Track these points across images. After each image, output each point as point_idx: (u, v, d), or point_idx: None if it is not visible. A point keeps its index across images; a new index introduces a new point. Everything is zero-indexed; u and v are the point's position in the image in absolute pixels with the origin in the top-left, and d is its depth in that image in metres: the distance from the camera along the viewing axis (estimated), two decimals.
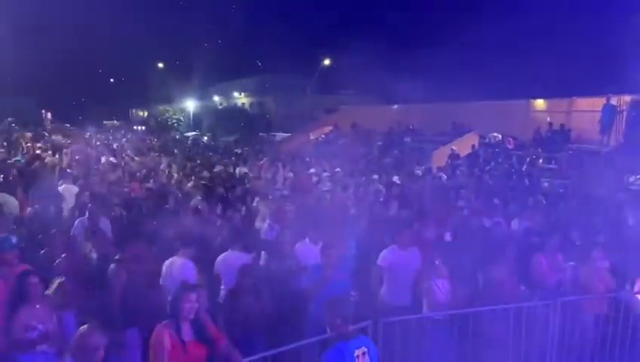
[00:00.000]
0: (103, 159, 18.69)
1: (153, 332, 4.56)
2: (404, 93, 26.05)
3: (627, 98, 18.17)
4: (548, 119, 20.47)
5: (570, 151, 17.59)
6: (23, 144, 23.36)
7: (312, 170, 16.27)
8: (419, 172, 15.39)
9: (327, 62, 40.90)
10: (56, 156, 19.52)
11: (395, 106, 29.87)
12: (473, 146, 20.78)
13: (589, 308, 6.25)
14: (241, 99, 55.06)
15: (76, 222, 8.18)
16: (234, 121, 43.44)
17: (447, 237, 7.75)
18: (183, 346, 4.48)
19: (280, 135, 36.36)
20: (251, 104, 52.77)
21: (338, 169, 16.76)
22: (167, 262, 6.39)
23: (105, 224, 8.28)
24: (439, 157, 20.68)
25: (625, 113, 18.19)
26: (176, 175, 15.26)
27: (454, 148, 20.66)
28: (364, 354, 4.19)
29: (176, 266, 6.27)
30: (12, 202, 9.51)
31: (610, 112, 17.67)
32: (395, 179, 13.59)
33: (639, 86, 16.97)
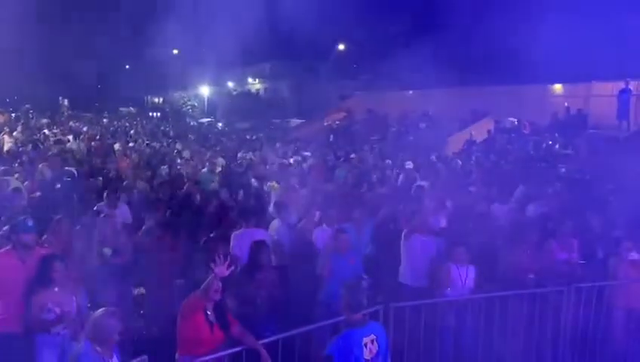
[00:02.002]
0: (117, 146, 18.78)
1: (187, 303, 4.56)
2: (419, 78, 25.83)
3: None
4: (565, 104, 20.19)
5: (588, 137, 17.34)
6: (46, 132, 23.60)
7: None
8: (433, 157, 15.26)
9: (341, 47, 40.68)
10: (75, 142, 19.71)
11: (411, 92, 29.64)
12: (489, 132, 20.58)
13: (620, 302, 6.13)
14: (255, 85, 55.05)
15: (95, 208, 8.15)
16: (248, 107, 43.48)
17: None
18: (210, 327, 4.53)
19: (294, 121, 36.32)
20: (265, 90, 52.75)
21: (353, 155, 16.72)
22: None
23: (123, 208, 8.36)
24: (455, 143, 20.52)
25: None
26: (190, 161, 15.31)
27: (470, 133, 20.49)
28: (372, 341, 4.16)
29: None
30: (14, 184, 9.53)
31: (626, 97, 17.37)
32: (408, 164, 13.51)
33: None
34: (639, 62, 16.36)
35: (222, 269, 4.42)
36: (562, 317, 5.93)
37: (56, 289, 4.96)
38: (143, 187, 10.57)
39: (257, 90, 54.08)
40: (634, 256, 6.25)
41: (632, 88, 17.47)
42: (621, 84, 17.55)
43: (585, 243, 6.93)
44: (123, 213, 8.27)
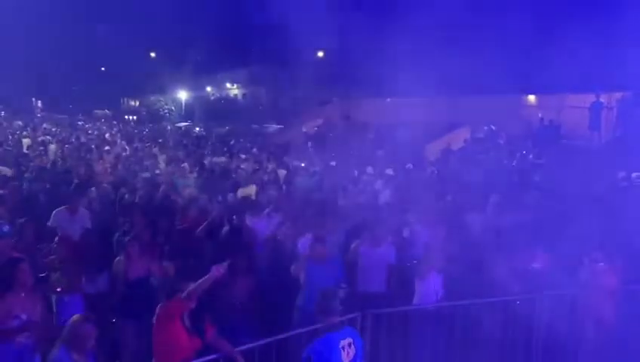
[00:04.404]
0: (94, 148, 18.59)
1: (164, 309, 4.53)
2: (397, 86, 26.10)
3: (617, 95, 18.33)
4: (539, 115, 20.59)
5: (560, 147, 17.70)
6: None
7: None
8: (410, 165, 15.39)
9: (320, 54, 40.78)
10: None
11: (388, 100, 29.86)
12: (465, 141, 20.86)
13: (590, 311, 6.22)
14: (233, 90, 54.88)
15: (54, 213, 8.00)
16: (226, 112, 43.32)
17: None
18: (187, 333, 4.51)
19: (272, 127, 36.29)
20: (244, 95, 52.63)
21: (333, 162, 16.73)
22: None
23: (83, 213, 8.25)
24: (431, 151, 20.73)
25: (615, 110, 18.36)
26: (165, 165, 15.20)
27: (446, 142, 20.73)
28: (349, 344, 4.24)
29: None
30: None
31: (597, 109, 17.82)
32: (389, 171, 13.63)
33: (629, 83, 17.09)
34: (609, 76, 16.80)
35: (219, 269, 4.44)
36: (534, 325, 6.05)
37: (22, 294, 4.78)
38: (107, 191, 10.45)
39: (235, 95, 53.93)
40: (603, 266, 6.38)
41: (603, 101, 17.92)
42: (592, 97, 17.99)
43: (556, 253, 7.05)
44: (82, 218, 8.13)
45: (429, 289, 6.17)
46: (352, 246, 6.90)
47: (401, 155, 16.70)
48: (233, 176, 13.13)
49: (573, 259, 6.94)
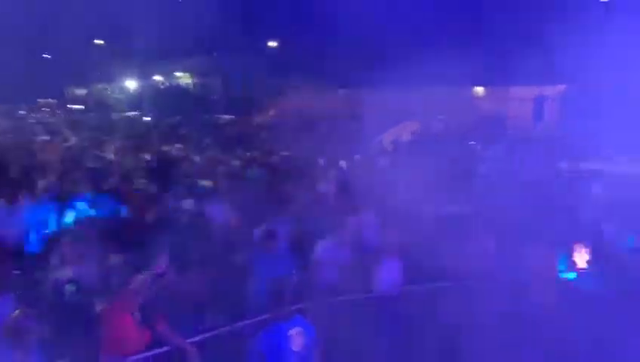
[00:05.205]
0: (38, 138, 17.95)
1: (111, 307, 4.50)
2: (350, 77, 26.24)
3: (561, 87, 19.04)
4: (486, 106, 21.16)
5: (505, 138, 18.22)
6: None
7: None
8: (359, 157, 15.53)
9: (273, 43, 40.56)
10: None
11: (340, 91, 30.05)
12: (414, 132, 21.22)
13: (536, 295, 6.39)
14: (183, 79, 53.82)
15: None
16: (176, 101, 42.54)
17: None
18: (137, 327, 4.46)
19: (224, 117, 35.89)
20: (195, 85, 51.73)
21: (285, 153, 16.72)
22: None
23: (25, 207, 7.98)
24: (381, 143, 20.98)
25: (558, 102, 19.07)
26: (113, 155, 14.82)
27: (396, 134, 21.03)
28: (299, 333, 4.27)
29: None
30: None
31: (541, 102, 18.48)
32: (342, 163, 13.73)
33: (573, 76, 17.72)
34: (554, 69, 17.36)
35: (160, 265, 4.41)
36: (481, 310, 6.23)
37: None
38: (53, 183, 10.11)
39: (186, 84, 52.92)
40: (545, 253, 6.62)
41: (547, 93, 18.59)
42: (536, 89, 18.64)
43: (501, 240, 7.27)
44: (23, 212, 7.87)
45: (386, 276, 6.27)
46: (316, 246, 6.92)
47: (350, 147, 16.84)
48: (183, 166, 12.95)
49: (518, 246, 7.18)
